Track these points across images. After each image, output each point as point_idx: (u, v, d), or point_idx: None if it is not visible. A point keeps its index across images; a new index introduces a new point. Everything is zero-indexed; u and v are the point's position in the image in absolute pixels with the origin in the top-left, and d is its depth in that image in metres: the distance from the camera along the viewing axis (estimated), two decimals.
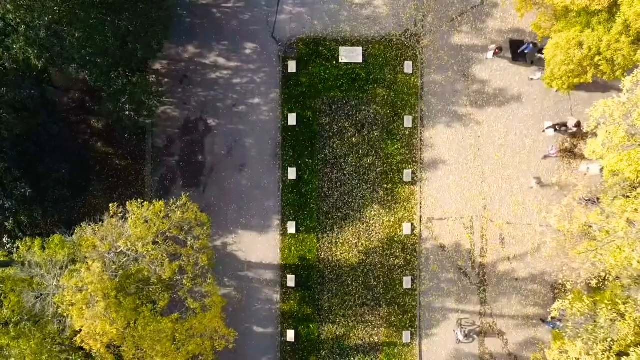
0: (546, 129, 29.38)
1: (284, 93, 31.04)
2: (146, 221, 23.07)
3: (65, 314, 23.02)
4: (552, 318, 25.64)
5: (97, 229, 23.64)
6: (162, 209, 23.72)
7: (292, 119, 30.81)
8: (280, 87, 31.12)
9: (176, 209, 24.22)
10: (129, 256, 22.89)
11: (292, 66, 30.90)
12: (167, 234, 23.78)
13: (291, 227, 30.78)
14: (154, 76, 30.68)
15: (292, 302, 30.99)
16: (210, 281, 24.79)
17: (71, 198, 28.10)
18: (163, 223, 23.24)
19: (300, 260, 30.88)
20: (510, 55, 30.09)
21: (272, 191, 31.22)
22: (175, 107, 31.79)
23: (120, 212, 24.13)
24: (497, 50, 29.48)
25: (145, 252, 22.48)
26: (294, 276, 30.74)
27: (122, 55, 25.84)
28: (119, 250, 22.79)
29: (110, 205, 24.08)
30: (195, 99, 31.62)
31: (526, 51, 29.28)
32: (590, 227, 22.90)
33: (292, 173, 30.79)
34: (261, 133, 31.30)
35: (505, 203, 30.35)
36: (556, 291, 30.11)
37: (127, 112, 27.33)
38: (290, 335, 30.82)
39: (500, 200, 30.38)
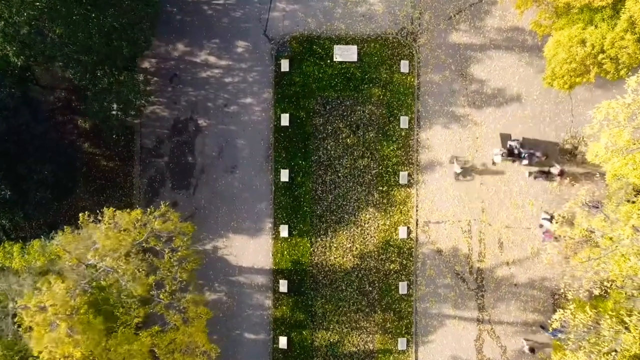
0: (542, 219, 28.78)
1: (277, 93, 30.19)
2: (121, 231, 22.00)
3: (25, 336, 21.97)
4: (554, 329, 24.80)
5: (63, 240, 22.62)
6: (139, 217, 22.68)
7: (285, 120, 29.96)
8: (272, 86, 30.27)
9: (153, 219, 23.17)
10: (100, 269, 21.81)
11: (285, 65, 30.04)
12: (144, 244, 22.77)
13: (284, 231, 29.95)
14: (142, 75, 29.68)
15: (284, 307, 30.14)
16: (189, 297, 23.64)
17: (55, 200, 27.17)
18: (140, 233, 22.16)
19: (293, 265, 30.05)
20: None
21: (264, 193, 30.38)
22: (165, 106, 30.90)
23: (93, 221, 23.09)
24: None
25: (116, 266, 21.38)
26: (286, 281, 29.89)
27: (107, 53, 24.87)
28: (88, 263, 21.73)
29: (80, 215, 23.08)
30: (185, 99, 30.74)
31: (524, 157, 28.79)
32: (592, 232, 22.01)
33: (284, 175, 29.95)
34: (253, 134, 30.45)
35: (504, 206, 29.54)
36: (556, 297, 29.30)
37: (113, 112, 26.39)
38: (283, 342, 29.96)
39: (499, 203, 29.56)
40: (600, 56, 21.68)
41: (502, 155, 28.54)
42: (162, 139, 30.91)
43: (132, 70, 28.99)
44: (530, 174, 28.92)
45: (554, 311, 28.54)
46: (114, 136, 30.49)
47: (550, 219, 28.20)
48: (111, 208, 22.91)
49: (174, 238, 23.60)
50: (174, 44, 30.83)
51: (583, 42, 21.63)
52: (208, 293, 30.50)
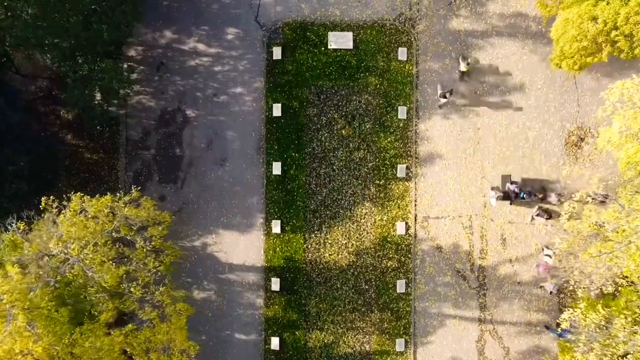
0: (545, 255, 27.61)
1: (269, 82, 28.90)
2: (89, 218, 20.59)
3: None
4: (562, 329, 23.46)
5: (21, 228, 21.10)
6: (110, 204, 21.25)
7: (277, 110, 28.68)
8: (264, 75, 28.97)
9: (123, 205, 21.73)
10: (66, 260, 20.32)
11: (277, 53, 28.73)
12: (114, 234, 21.32)
13: (276, 227, 28.67)
14: (126, 63, 28.32)
15: (276, 307, 28.85)
16: (162, 289, 22.19)
17: (34, 194, 25.74)
18: (110, 221, 20.70)
19: (285, 262, 28.76)
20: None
21: (256, 187, 29.09)
22: (151, 96, 29.57)
23: (58, 207, 21.68)
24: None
25: (82, 256, 19.87)
26: (278, 279, 28.61)
27: (86, 37, 23.46)
28: (52, 253, 20.22)
29: (43, 198, 21.68)
30: (172, 88, 29.42)
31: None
32: (602, 226, 20.62)
33: (277, 168, 28.66)
34: (244, 125, 29.13)
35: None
36: (562, 296, 28.00)
37: (95, 101, 25.01)
38: (275, 342, 28.67)
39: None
40: (614, 33, 20.17)
41: (497, 198, 27.37)
42: (148, 130, 29.58)
43: (117, 58, 27.73)
44: (532, 218, 27.68)
45: (560, 310, 27.62)
46: (97, 127, 29.17)
47: (553, 255, 27.18)
48: (79, 193, 21.45)
49: (148, 228, 22.13)
50: (160, 30, 29.49)
51: (594, 20, 20.17)
52: (197, 291, 29.23)
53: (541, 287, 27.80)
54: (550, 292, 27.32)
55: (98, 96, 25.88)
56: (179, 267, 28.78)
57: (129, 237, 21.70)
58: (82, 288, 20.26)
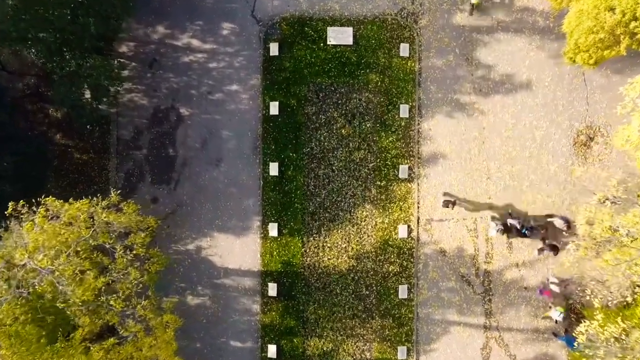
0: (551, 283, 26.65)
1: (265, 79, 27.82)
2: (64, 225, 19.31)
3: None
4: (571, 336, 22.37)
5: None
6: (86, 208, 20.02)
7: (274, 108, 27.60)
8: (261, 72, 27.89)
9: (101, 211, 20.48)
10: (35, 271, 18.98)
11: (274, 49, 27.64)
12: (92, 241, 20.03)
13: (273, 230, 27.60)
14: (116, 59, 27.21)
15: (273, 313, 27.76)
16: (145, 303, 20.83)
17: (19, 195, 24.55)
18: (87, 228, 19.40)
19: (283, 267, 27.66)
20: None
21: (252, 189, 27.99)
22: (144, 94, 28.46)
23: (27, 212, 20.39)
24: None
25: (54, 267, 18.53)
26: (275, 284, 27.53)
27: (72, 31, 22.31)
28: (22, 263, 18.87)
29: (10, 203, 20.47)
30: (165, 86, 28.31)
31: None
32: (616, 231, 19.50)
33: (274, 169, 27.58)
34: (239, 124, 28.05)
35: (514, 203, 27.15)
36: (570, 302, 26.91)
37: (84, 99, 23.88)
38: (272, 350, 27.59)
39: (507, 199, 27.20)
40: (633, 24, 18.95)
41: (497, 231, 26.31)
42: (140, 129, 28.48)
43: (108, 54, 26.69)
44: (539, 251, 26.59)
45: (569, 317, 26.55)
46: (87, 126, 28.10)
47: (560, 284, 26.09)
48: (51, 197, 20.25)
49: (132, 234, 20.86)
50: (153, 26, 28.37)
51: (612, 10, 19.02)
52: (191, 297, 28.13)
53: (545, 317, 26.69)
54: (556, 321, 26.21)
55: (88, 94, 24.66)
56: (172, 272, 27.92)
57: (107, 245, 20.31)
58: (54, 302, 18.90)
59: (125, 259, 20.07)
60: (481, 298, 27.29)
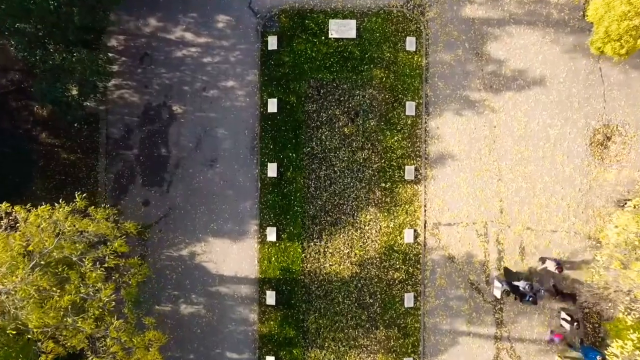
0: (562, 319, 25.24)
1: (263, 74, 26.37)
2: (18, 234, 17.38)
3: None
4: (586, 346, 20.80)
5: None
6: (49, 215, 18.14)
7: (272, 106, 26.17)
8: (258, 67, 26.43)
9: (64, 218, 18.61)
10: None
11: (272, 42, 26.21)
12: (55, 253, 18.10)
13: (271, 234, 26.14)
14: (107, 54, 25.68)
15: (272, 322, 26.27)
16: (117, 323, 18.61)
17: (1, 198, 23.05)
18: (49, 239, 17.50)
19: (281, 273, 26.21)
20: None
21: (249, 191, 26.52)
22: (134, 90, 26.93)
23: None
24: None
25: (9, 286, 16.57)
26: (274, 292, 26.07)
27: (54, 22, 20.73)
28: None
29: None
30: (157, 82, 26.84)
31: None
32: None
33: (272, 169, 26.14)
34: (236, 122, 26.58)
35: (526, 205, 25.75)
36: (586, 310, 25.47)
37: (68, 95, 22.32)
38: None
39: (519, 202, 25.78)
40: None
41: (503, 292, 24.99)
42: (131, 127, 26.98)
43: (96, 48, 25.17)
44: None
45: (584, 326, 25.17)
46: (75, 125, 26.42)
47: (571, 321, 24.56)
48: (5, 203, 18.50)
49: (108, 242, 18.99)
50: (144, 18, 26.86)
51: None
52: (184, 306, 26.58)
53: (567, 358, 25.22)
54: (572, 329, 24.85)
55: (74, 90, 23.08)
56: (164, 279, 26.55)
57: (74, 258, 18.31)
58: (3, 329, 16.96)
59: (94, 273, 17.97)
60: (492, 307, 25.85)
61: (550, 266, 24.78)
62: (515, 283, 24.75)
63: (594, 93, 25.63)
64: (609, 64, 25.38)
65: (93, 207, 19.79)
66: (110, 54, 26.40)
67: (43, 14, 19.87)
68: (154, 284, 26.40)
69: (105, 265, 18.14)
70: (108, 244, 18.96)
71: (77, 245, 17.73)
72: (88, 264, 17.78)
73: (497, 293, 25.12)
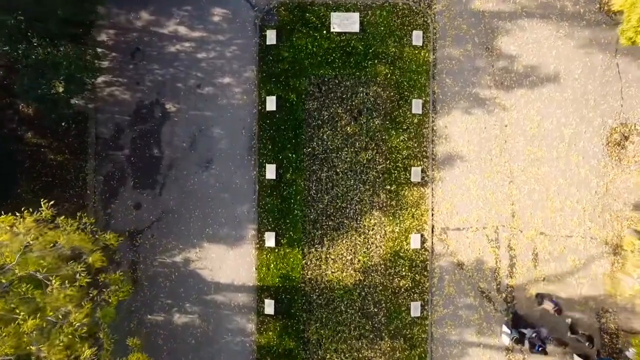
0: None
1: (262, 71, 25.14)
2: None
3: None
4: (603, 357, 19.57)
5: None
6: (8, 226, 16.43)
7: (271, 103, 24.95)
8: (256, 63, 25.21)
9: (25, 230, 16.79)
10: None
11: (271, 37, 24.99)
12: (17, 271, 16.20)
13: (270, 240, 24.91)
14: (96, 49, 24.39)
15: (270, 333, 24.99)
16: (89, 353, 16.58)
17: None
18: (12, 254, 15.79)
19: (281, 281, 24.96)
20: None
21: (246, 194, 25.27)
22: (125, 88, 25.66)
23: None
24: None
25: None
26: (273, 301, 24.83)
27: (36, 14, 19.38)
28: None
29: None
30: (150, 78, 25.59)
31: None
32: None
33: (271, 171, 24.93)
34: (232, 121, 25.34)
35: (539, 209, 24.50)
36: (602, 321, 24.17)
37: (53, 92, 20.97)
38: None
39: (532, 205, 24.54)
40: None
41: (512, 340, 23.79)
42: (121, 127, 25.72)
43: (85, 42, 23.91)
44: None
45: (600, 337, 23.89)
46: (62, 124, 25.24)
47: (585, 339, 23.46)
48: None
49: (84, 257, 17.30)
50: (136, 11, 25.60)
51: None
52: (178, 315, 25.29)
53: None
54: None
55: (60, 87, 21.74)
56: (157, 287, 25.30)
57: (39, 276, 16.45)
58: None
59: (63, 293, 16.12)
60: (503, 316, 24.57)
61: (548, 307, 23.61)
62: (523, 330, 23.54)
63: (611, 90, 24.41)
64: (627, 59, 24.14)
65: (63, 217, 18.08)
66: (99, 49, 25.24)
67: (24, 5, 18.47)
68: (145, 292, 25.26)
69: (77, 284, 16.33)
70: (84, 258, 17.30)
71: (43, 261, 15.93)
72: (55, 283, 16.03)
73: (506, 340, 23.88)
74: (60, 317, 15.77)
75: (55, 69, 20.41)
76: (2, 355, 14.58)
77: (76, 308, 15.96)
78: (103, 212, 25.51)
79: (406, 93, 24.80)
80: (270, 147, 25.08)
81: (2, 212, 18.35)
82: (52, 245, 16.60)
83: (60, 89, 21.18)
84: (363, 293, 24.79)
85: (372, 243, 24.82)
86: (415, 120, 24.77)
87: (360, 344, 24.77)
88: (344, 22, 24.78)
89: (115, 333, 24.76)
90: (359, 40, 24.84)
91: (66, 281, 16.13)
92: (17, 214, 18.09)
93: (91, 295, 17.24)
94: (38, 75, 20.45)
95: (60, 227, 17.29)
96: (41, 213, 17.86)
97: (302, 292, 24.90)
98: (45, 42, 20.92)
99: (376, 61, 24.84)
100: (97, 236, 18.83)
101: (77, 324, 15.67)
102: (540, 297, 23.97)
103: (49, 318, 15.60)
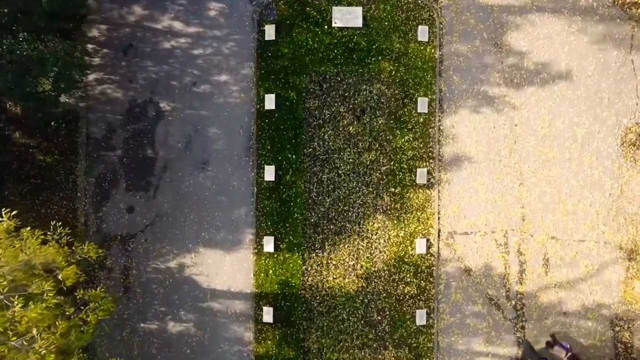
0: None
1: (260, 68, 24.32)
2: None
3: None
4: None
5: None
6: None
7: (270, 102, 24.17)
8: (254, 59, 24.37)
9: None
10: None
11: (270, 32, 24.19)
12: None
13: (268, 244, 24.09)
14: (88, 45, 23.46)
15: (269, 342, 24.16)
16: None
17: None
18: None
19: (280, 288, 24.14)
20: None
21: (244, 196, 24.44)
22: (118, 85, 24.80)
23: None
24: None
25: None
26: (271, 308, 24.02)
27: (20, 6, 18.36)
28: None
29: None
30: (143, 76, 24.77)
31: None
32: None
33: (269, 173, 24.15)
34: (229, 120, 24.52)
35: (550, 212, 23.60)
36: (617, 329, 23.21)
37: (41, 89, 19.99)
38: None
39: (543, 208, 23.63)
40: None
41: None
42: (113, 127, 24.88)
43: (76, 38, 23.01)
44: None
45: (615, 347, 22.94)
46: (52, 123, 24.43)
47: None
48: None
49: (55, 272, 15.85)
50: (129, 6, 24.71)
51: None
52: (172, 324, 24.44)
53: None
54: None
55: (47, 84, 20.78)
56: (150, 294, 24.42)
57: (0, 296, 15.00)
58: None
59: (27, 316, 14.68)
60: (512, 325, 23.72)
61: (560, 354, 22.56)
62: None
63: (626, 88, 23.53)
64: None
65: (29, 228, 16.73)
66: (91, 46, 24.49)
67: None
68: (138, 299, 24.42)
69: (37, 308, 14.92)
70: (55, 273, 15.99)
71: (2, 279, 14.58)
72: (18, 305, 14.68)
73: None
74: (25, 342, 14.41)
75: (42, 65, 19.38)
76: None
77: (46, 331, 14.65)
78: (94, 216, 24.68)
79: (411, 91, 23.99)
80: (269, 147, 24.25)
81: None
82: (20, 260, 15.25)
83: (48, 87, 20.14)
84: (366, 300, 23.91)
85: (376, 248, 23.94)
86: (421, 120, 23.93)
87: (363, 353, 23.88)
88: (346, 17, 23.98)
89: (107, 342, 24.15)
90: (362, 35, 24.03)
91: (30, 302, 14.77)
92: None
93: (67, 313, 15.98)
94: (23, 72, 19.46)
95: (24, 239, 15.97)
96: (2, 223, 16.43)
97: (302, 299, 24.05)
98: (31, 37, 19.92)
99: (380, 58, 24.00)
100: (73, 248, 17.49)
101: (43, 351, 14.27)
102: (552, 340, 22.90)
103: (13, 343, 14.29)
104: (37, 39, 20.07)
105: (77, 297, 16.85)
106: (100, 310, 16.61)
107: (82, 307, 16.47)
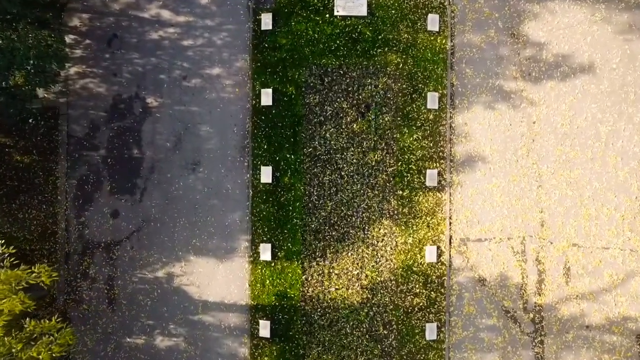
0: None
1: (256, 60, 23.37)
2: None
3: None
4: None
5: None
6: None
7: (266, 97, 23.29)
8: (250, 51, 23.44)
9: None
10: None
11: (266, 21, 23.28)
12: None
13: (265, 252, 23.18)
14: (67, 34, 22.07)
15: (266, 358, 23.14)
16: None
17: None
18: None
19: (277, 299, 23.20)
20: None
21: (239, 200, 23.52)
22: (101, 79, 23.83)
23: None
24: None
25: None
26: (268, 322, 23.06)
27: None
28: None
29: None
30: (128, 69, 23.82)
31: None
32: None
33: (266, 174, 23.22)
34: (223, 117, 23.64)
35: (572, 217, 22.55)
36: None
37: (11, 83, 18.45)
38: None
39: (564, 213, 22.59)
40: None
41: None
42: (96, 124, 23.95)
43: (55, 28, 21.80)
44: None
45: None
46: (29, 120, 23.47)
47: None
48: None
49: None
50: None
51: None
52: (160, 338, 23.53)
53: None
54: None
55: (20, 77, 19.24)
56: (137, 306, 23.42)
57: None
58: None
59: None
60: (530, 339, 22.69)
61: None
62: None
63: None
64: None
65: None
66: (72, 36, 23.55)
67: None
68: (124, 311, 23.49)
69: None
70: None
71: None
72: None
73: None
74: None
75: (12, 56, 17.71)
76: None
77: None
78: (76, 221, 23.84)
79: (420, 85, 23.13)
80: (265, 147, 23.36)
81: None
82: None
83: (20, 80, 18.50)
84: (371, 313, 22.92)
85: (382, 256, 22.98)
86: (431, 117, 23.04)
87: None
88: (350, 5, 23.12)
89: (89, 358, 22.95)
90: (367, 25, 23.13)
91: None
92: None
93: (13, 351, 14.13)
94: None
95: None
96: None
97: (301, 311, 23.11)
98: (2, 25, 18.24)
99: (386, 49, 23.12)
100: (17, 270, 15.56)
101: None
102: None
103: None
104: (8, 27, 18.39)
105: (27, 329, 14.94)
106: (55, 345, 14.68)
107: (33, 342, 14.57)
